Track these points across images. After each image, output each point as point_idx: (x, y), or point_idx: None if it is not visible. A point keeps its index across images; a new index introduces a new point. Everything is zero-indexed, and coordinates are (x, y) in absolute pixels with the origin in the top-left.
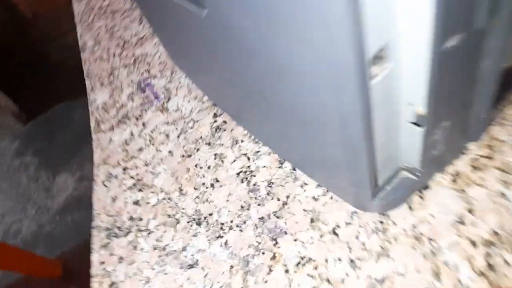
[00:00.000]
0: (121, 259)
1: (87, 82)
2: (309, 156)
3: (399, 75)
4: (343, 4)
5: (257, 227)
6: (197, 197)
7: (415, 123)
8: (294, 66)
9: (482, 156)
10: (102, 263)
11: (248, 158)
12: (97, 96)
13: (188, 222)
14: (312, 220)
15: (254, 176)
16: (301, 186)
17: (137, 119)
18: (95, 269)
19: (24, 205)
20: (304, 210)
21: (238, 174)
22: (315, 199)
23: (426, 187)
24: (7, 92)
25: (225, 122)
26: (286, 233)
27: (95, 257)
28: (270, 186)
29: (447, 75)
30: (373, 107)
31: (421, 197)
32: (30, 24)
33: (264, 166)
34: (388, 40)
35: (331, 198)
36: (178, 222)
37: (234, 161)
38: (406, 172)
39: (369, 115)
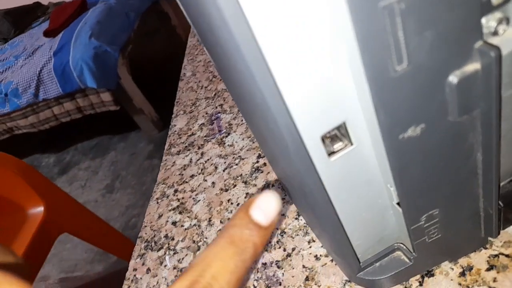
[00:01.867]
0: (148, 270)
1: (174, 109)
2: (310, 219)
3: (368, 155)
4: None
5: (258, 271)
6: (219, 230)
7: (399, 204)
8: (267, 138)
9: (504, 255)
10: (135, 269)
11: None
12: (177, 122)
13: None
14: (307, 278)
15: None
16: (309, 242)
17: (199, 148)
18: (128, 273)
19: (144, 203)
20: (304, 267)
21: None
22: (317, 258)
23: (431, 274)
24: (152, 102)
25: (265, 164)
26: (280, 284)
27: (131, 263)
28: (282, 235)
29: (418, 163)
30: (340, 183)
31: (420, 284)
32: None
33: (283, 214)
34: (345, 119)
35: (332, 261)
36: (198, 249)
37: None
38: (400, 253)
39: (323, 189)
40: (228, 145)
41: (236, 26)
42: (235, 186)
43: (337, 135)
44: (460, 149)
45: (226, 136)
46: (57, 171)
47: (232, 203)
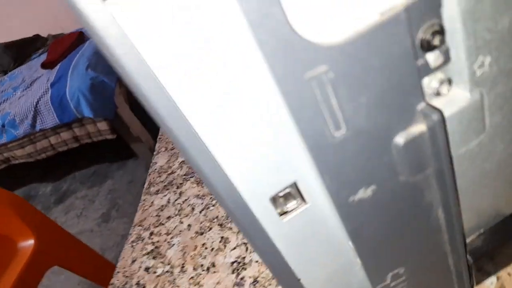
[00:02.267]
0: None
1: (156, 145)
2: None
3: (324, 213)
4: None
5: None
6: (192, 277)
7: None
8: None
9: None
10: None
11: (247, 249)
12: (159, 160)
13: None
14: None
15: (245, 269)
16: None
17: (177, 187)
18: None
19: None
20: None
21: (232, 263)
22: None
23: None
24: (149, 129)
25: None
26: None
27: None
28: (255, 284)
29: (374, 223)
30: (296, 243)
31: None
32: None
33: (257, 261)
34: (296, 179)
35: None
36: None
37: (234, 248)
38: None
39: (277, 251)
40: None
41: (162, 107)
42: (210, 229)
43: (291, 193)
44: (418, 207)
45: None
46: (53, 200)
47: (206, 248)
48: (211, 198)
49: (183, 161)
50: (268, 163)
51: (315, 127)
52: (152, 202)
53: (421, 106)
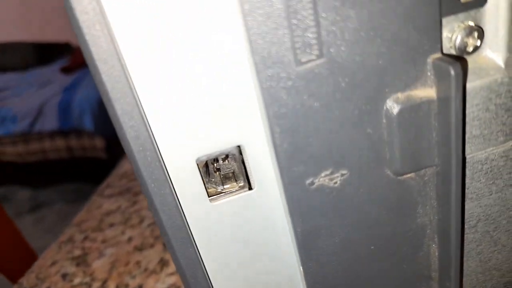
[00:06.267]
0: None
1: None
2: None
3: (273, 212)
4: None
5: None
6: None
7: None
8: None
9: None
10: None
11: None
12: (126, 165)
13: None
14: None
15: None
16: None
17: (135, 195)
18: None
19: None
20: None
21: None
22: None
23: None
24: None
25: None
26: None
27: None
28: None
29: (334, 234)
30: (222, 245)
31: None
32: None
33: None
34: (241, 143)
35: None
36: None
37: (172, 274)
38: None
39: (194, 250)
40: None
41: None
42: (152, 246)
43: (234, 173)
44: (404, 229)
45: None
46: (27, 208)
47: (140, 267)
48: None
49: None
50: (202, 105)
51: (274, 38)
52: (101, 205)
53: (435, 57)
